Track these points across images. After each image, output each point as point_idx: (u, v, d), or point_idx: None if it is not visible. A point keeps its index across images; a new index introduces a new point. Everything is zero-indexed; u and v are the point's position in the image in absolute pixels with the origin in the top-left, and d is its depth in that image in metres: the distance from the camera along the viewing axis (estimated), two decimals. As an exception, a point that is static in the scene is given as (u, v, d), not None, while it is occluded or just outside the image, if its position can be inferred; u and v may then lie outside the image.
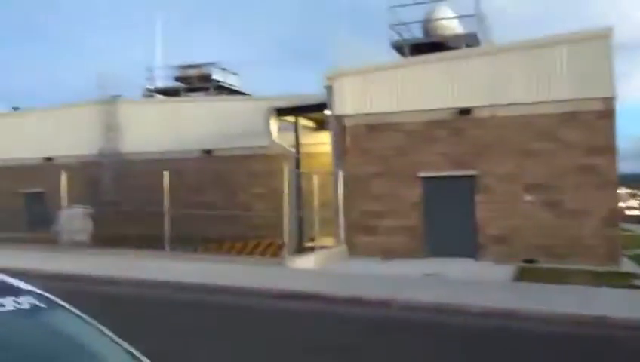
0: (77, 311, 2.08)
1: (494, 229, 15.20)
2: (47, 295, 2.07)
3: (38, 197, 22.25)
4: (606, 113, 14.41)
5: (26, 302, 1.92)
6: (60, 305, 2.06)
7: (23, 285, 2.09)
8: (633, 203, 62.05)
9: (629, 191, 70.60)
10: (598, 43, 14.81)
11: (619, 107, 14.62)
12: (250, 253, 17.35)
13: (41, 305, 1.97)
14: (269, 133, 17.77)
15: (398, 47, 19.91)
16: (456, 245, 15.37)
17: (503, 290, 10.98)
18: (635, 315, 8.88)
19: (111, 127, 22.40)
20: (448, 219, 15.60)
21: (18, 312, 1.86)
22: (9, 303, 1.86)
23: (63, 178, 16.56)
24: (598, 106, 14.49)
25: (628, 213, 55.41)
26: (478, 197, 15.52)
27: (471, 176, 15.60)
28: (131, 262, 14.08)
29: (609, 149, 14.33)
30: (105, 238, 17.33)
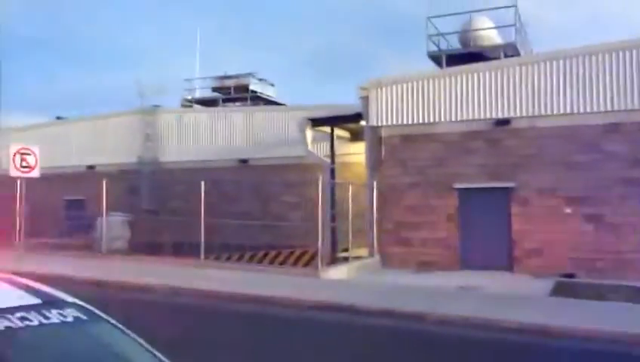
0: (119, 325, 2.14)
1: (531, 242, 14.90)
2: (90, 307, 2.14)
3: (79, 204, 22.87)
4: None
5: (70, 315, 2.00)
6: (102, 317, 2.13)
7: (67, 297, 2.17)
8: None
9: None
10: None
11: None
12: (284, 262, 17.43)
13: (84, 318, 2.04)
14: (305, 143, 17.89)
15: (435, 58, 19.82)
16: (491, 258, 15.13)
17: (540, 305, 10.74)
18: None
19: (150, 136, 22.91)
20: (484, 231, 15.38)
21: (63, 325, 1.93)
22: (54, 316, 1.94)
23: (103, 185, 16.98)
24: (640, 118, 14.12)
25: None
26: (515, 210, 15.25)
27: (507, 188, 15.36)
28: (163, 269, 14.30)
29: (654, 162, 13.92)
30: (142, 246, 17.68)
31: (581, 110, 14.70)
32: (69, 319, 1.97)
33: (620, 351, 7.96)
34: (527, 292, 12.06)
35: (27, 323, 1.82)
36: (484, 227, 15.40)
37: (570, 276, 14.01)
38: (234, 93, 27.63)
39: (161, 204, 21.24)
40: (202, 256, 15.47)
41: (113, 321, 2.14)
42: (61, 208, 23.82)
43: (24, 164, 12.99)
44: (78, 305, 2.10)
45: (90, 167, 24.11)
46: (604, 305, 10.83)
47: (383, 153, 16.73)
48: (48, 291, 2.16)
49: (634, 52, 14.44)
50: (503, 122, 15.54)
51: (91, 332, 2.02)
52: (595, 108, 14.56)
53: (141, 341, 2.13)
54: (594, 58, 14.81)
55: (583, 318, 9.43)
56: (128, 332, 2.14)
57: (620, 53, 14.55)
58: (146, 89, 23.04)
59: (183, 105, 28.02)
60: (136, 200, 22.06)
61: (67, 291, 2.27)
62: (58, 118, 29.51)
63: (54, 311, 1.96)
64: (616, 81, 14.41)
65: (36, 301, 1.99)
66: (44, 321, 1.86)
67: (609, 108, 14.43)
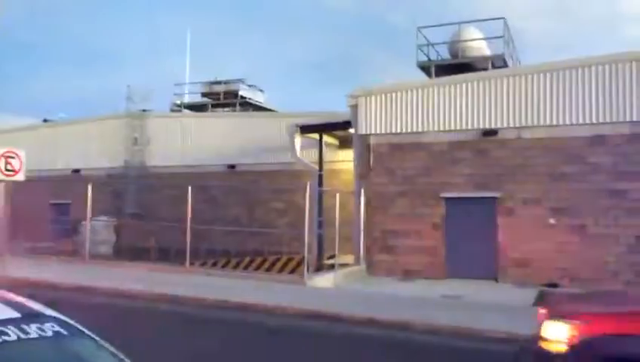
0: (99, 339, 2.13)
1: (516, 252, 15.00)
2: (71, 321, 2.13)
3: (64, 208, 22.67)
4: (635, 137, 14.19)
5: (49, 330, 1.98)
6: (83, 332, 2.11)
7: (46, 311, 2.15)
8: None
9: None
10: (628, 66, 14.62)
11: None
12: (270, 269, 17.39)
13: (65, 333, 2.02)
14: (293, 150, 17.90)
15: (425, 68, 19.97)
16: (477, 267, 15.22)
17: (523, 314, 10.80)
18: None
19: (137, 140, 22.80)
20: (470, 240, 15.45)
21: (42, 340, 1.91)
22: (33, 331, 1.92)
23: (89, 189, 16.84)
24: (626, 130, 14.30)
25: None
26: (501, 220, 15.36)
27: (494, 198, 15.47)
28: (148, 276, 14.20)
29: (637, 174, 14.08)
30: (128, 250, 17.55)
31: (567, 122, 14.87)
32: (49, 334, 1.95)
33: None
34: (510, 302, 12.14)
35: (5, 338, 1.80)
36: (470, 236, 15.48)
37: (554, 286, 14.12)
38: (223, 99, 27.61)
39: (147, 208, 21.12)
40: (188, 262, 15.39)
41: (94, 336, 2.13)
42: (47, 212, 23.58)
43: (8, 167, 12.83)
44: (58, 319, 2.08)
45: (76, 171, 23.93)
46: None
47: (372, 161, 16.79)
48: (28, 304, 2.14)
49: (619, 65, 14.64)
50: (491, 133, 15.67)
51: (71, 347, 2.00)
52: (580, 121, 14.73)
53: (122, 356, 2.11)
54: (580, 71, 14.99)
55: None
56: (109, 347, 2.13)
57: (607, 67, 14.73)
58: (135, 94, 22.95)
59: (172, 110, 27.94)
60: (123, 205, 21.93)
61: (47, 296, 2.25)
62: (45, 120, 29.30)
63: (33, 326, 1.94)
64: (602, 93, 14.59)
65: (15, 314, 1.97)
66: (23, 336, 1.84)
67: (594, 120, 14.60)
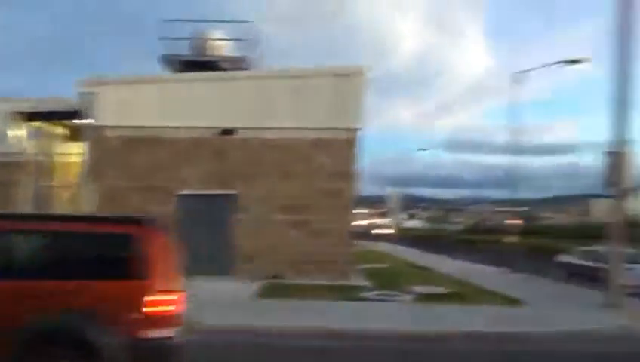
0: None
1: (250, 248, 15.64)
2: None
3: None
4: (350, 142, 15.99)
5: None
6: None
7: None
8: (381, 222, 69.71)
9: (373, 211, 79.31)
10: (354, 78, 16.35)
11: (366, 136, 16.43)
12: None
13: None
14: (10, 139, 15.92)
15: (168, 61, 19.55)
16: (213, 264, 15.38)
17: (244, 308, 11.29)
18: (360, 326, 9.90)
19: None
20: (206, 237, 15.59)
21: None
22: None
23: None
24: (345, 136, 16.00)
25: (379, 231, 62.16)
26: (237, 217, 15.87)
27: (230, 196, 15.90)
28: None
29: (350, 175, 15.94)
30: None
31: (297, 125, 16.01)
32: None
33: (315, 346, 8.75)
34: (236, 296, 12.58)
35: None
36: (207, 234, 15.64)
37: (278, 277, 15.07)
38: None
39: None
40: None
41: None
42: None
43: None
44: None
45: None
46: (304, 303, 11.91)
47: (104, 154, 15.84)
48: None
49: (346, 78, 16.29)
50: (229, 132, 16.09)
51: None
52: (308, 125, 16.01)
53: None
54: (311, 80, 16.34)
55: (281, 316, 10.24)
56: None
57: (332, 78, 16.33)
58: None
59: None
60: None
61: None
62: None
63: None
64: (327, 101, 16.08)
65: None
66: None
67: (320, 125, 16.01)
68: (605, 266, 14.00)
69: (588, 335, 10.21)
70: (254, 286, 13.84)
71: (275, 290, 13.35)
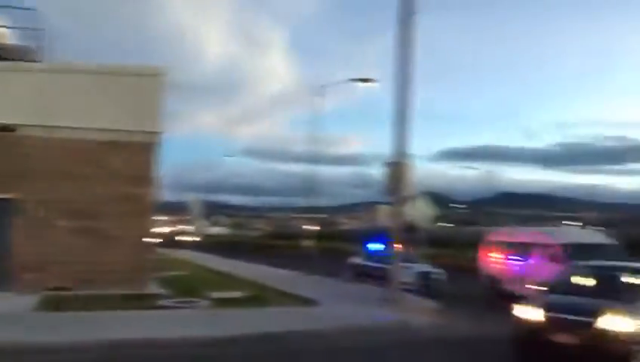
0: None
1: (31, 257, 14.10)
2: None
3: None
4: (148, 146, 15.34)
5: None
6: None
7: None
8: (185, 228, 68.78)
9: (175, 218, 78.08)
10: (151, 80, 15.61)
11: (168, 141, 15.88)
12: None
13: None
14: None
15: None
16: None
17: (16, 322, 10.17)
18: (150, 334, 9.55)
19: None
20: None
21: None
22: None
23: None
24: (142, 139, 15.29)
25: (182, 238, 61.14)
26: (17, 223, 14.25)
27: (9, 199, 14.25)
28: None
29: (148, 180, 15.28)
30: None
31: (87, 125, 14.89)
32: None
33: (88, 358, 8.21)
34: (11, 310, 11.30)
35: None
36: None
37: (63, 289, 13.83)
38: None
39: None
40: None
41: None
42: None
43: None
44: None
45: None
46: (88, 315, 11.15)
47: None
48: None
49: (143, 79, 15.55)
50: (8, 129, 14.45)
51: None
52: (99, 125, 14.99)
53: None
54: (105, 77, 15.35)
55: (59, 331, 9.46)
56: None
57: (130, 78, 15.48)
58: None
59: None
60: None
61: None
62: None
63: None
64: (121, 102, 15.21)
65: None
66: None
67: (114, 127, 15.10)
68: (386, 266, 15.72)
69: (372, 328, 11.30)
70: (34, 298, 12.53)
71: (59, 303, 12.25)
